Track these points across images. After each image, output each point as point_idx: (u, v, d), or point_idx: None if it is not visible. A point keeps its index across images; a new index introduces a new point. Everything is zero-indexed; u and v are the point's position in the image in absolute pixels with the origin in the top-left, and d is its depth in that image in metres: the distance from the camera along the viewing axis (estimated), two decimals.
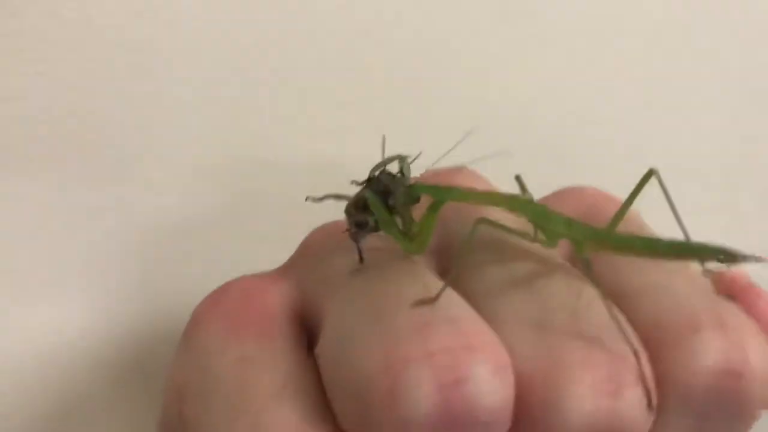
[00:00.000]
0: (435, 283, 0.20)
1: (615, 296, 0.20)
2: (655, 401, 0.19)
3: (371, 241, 0.22)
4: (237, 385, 0.19)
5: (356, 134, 0.32)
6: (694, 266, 0.23)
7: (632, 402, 0.18)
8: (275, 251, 0.24)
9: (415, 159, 0.23)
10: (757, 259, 0.20)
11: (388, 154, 0.31)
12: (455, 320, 0.18)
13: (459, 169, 0.25)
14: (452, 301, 0.19)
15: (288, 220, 0.27)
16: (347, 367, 0.18)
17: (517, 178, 0.24)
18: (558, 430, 0.18)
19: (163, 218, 0.30)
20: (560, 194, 0.26)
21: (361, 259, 0.21)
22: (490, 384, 0.17)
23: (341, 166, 0.32)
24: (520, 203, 0.21)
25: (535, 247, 0.22)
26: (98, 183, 0.29)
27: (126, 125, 0.30)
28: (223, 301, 0.21)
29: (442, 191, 0.22)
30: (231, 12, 0.30)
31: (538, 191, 0.27)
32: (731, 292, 0.22)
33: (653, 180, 0.22)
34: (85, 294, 0.29)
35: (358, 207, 0.22)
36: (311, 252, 0.23)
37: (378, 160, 0.24)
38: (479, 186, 0.24)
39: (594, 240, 0.21)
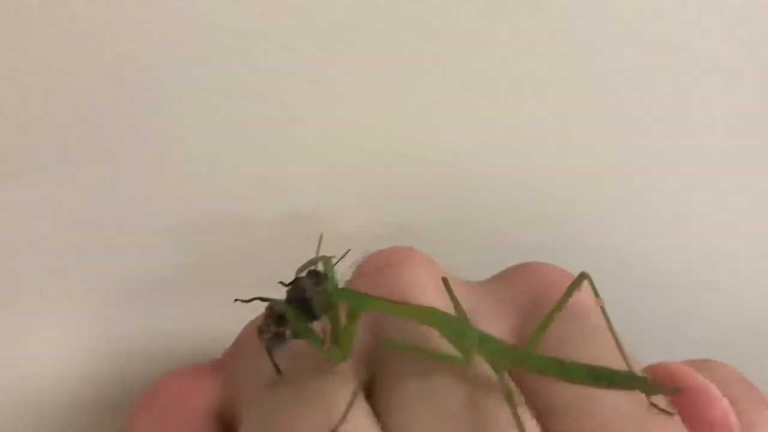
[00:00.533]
0: (340, 408, 0.19)
1: (543, 414, 0.20)
2: None
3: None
4: None
5: (328, 186, 0.32)
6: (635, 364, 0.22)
7: None
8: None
9: (340, 258, 0.23)
10: (677, 391, 0.19)
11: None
12: None
13: (405, 254, 0.24)
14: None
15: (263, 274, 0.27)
16: None
17: (444, 281, 0.23)
18: None
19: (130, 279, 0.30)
20: (514, 272, 0.26)
21: (278, 371, 0.21)
22: None
23: (315, 218, 0.32)
24: (434, 318, 0.21)
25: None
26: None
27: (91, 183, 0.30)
28: (150, 406, 0.22)
29: (358, 300, 0.21)
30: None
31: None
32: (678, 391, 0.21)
33: None
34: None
35: (273, 319, 0.22)
36: (241, 350, 0.23)
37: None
38: (422, 275, 0.24)
39: (508, 360, 0.20)
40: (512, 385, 0.20)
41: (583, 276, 0.22)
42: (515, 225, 0.32)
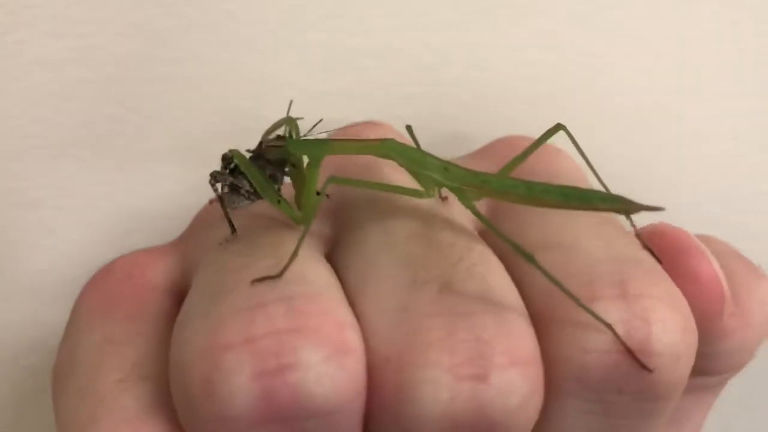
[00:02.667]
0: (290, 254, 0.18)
1: (513, 255, 0.18)
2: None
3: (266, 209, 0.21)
4: (92, 367, 0.18)
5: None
6: (621, 219, 0.20)
7: (503, 387, 0.16)
8: None
9: (314, 125, 0.21)
10: (655, 208, 0.17)
11: None
12: (291, 299, 0.16)
13: (369, 124, 0.23)
14: (299, 275, 0.17)
15: None
16: (175, 352, 0.17)
17: (408, 129, 0.21)
18: (412, 422, 0.16)
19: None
20: (488, 146, 0.24)
21: (233, 230, 0.20)
22: (321, 370, 0.15)
23: None
24: (392, 148, 0.19)
25: (422, 201, 0.20)
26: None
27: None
28: (104, 279, 0.21)
29: (315, 147, 0.20)
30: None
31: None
32: (662, 250, 0.19)
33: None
34: None
35: (226, 169, 0.20)
36: (199, 224, 0.22)
37: None
38: (386, 133, 0.22)
39: (473, 185, 0.19)
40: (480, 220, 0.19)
41: (558, 127, 0.20)
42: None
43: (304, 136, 0.21)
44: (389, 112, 0.26)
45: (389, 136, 0.22)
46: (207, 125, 0.27)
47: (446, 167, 0.19)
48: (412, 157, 0.19)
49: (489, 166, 0.23)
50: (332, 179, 0.19)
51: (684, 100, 0.30)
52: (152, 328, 0.19)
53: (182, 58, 0.27)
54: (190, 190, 0.26)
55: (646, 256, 0.19)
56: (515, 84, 0.28)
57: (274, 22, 0.27)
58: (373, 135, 0.22)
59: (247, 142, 0.20)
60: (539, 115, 0.23)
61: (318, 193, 0.19)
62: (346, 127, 0.23)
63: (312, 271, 0.18)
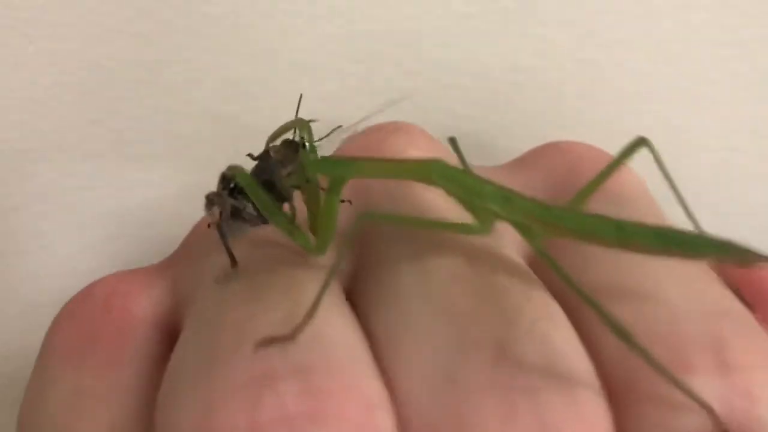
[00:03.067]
0: (308, 304, 0.14)
1: (574, 296, 0.14)
2: None
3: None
4: (61, 426, 0.15)
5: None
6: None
7: None
8: None
9: (330, 131, 0.17)
10: None
11: None
12: (307, 371, 0.13)
13: (395, 127, 0.19)
14: (317, 336, 0.13)
15: None
16: (160, 428, 0.13)
17: (452, 141, 0.17)
18: None
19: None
20: (533, 153, 0.20)
21: (234, 262, 0.16)
22: None
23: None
24: (440, 173, 0.15)
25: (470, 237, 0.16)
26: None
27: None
28: (78, 311, 0.17)
29: (340, 167, 0.16)
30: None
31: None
32: (754, 299, 0.15)
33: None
34: None
35: (225, 189, 0.16)
36: (193, 246, 0.18)
37: None
38: (419, 143, 0.18)
39: (543, 222, 0.15)
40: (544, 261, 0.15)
41: (641, 142, 0.16)
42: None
43: (318, 141, 0.17)
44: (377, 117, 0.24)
45: (421, 141, 0.18)
46: (190, 129, 0.24)
47: (508, 197, 0.15)
48: (465, 184, 0.15)
49: (536, 182, 0.19)
50: (367, 215, 0.15)
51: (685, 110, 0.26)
52: (134, 378, 0.16)
53: (164, 61, 0.24)
54: (174, 195, 0.24)
55: (741, 308, 0.15)
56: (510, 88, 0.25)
57: (257, 25, 0.24)
58: (402, 142, 0.18)
59: (231, 147, 0.18)
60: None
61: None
62: (365, 131, 0.19)
63: (332, 328, 0.14)
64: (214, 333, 0.14)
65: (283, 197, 0.17)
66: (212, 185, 0.23)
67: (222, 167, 0.24)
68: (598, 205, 0.16)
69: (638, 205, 0.17)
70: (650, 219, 0.16)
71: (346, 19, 0.25)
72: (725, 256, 0.14)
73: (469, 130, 0.25)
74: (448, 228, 0.15)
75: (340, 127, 0.18)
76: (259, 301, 0.14)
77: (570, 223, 0.14)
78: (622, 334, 0.13)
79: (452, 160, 0.17)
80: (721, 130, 0.26)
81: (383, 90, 0.25)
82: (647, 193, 0.18)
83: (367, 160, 0.16)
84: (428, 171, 0.15)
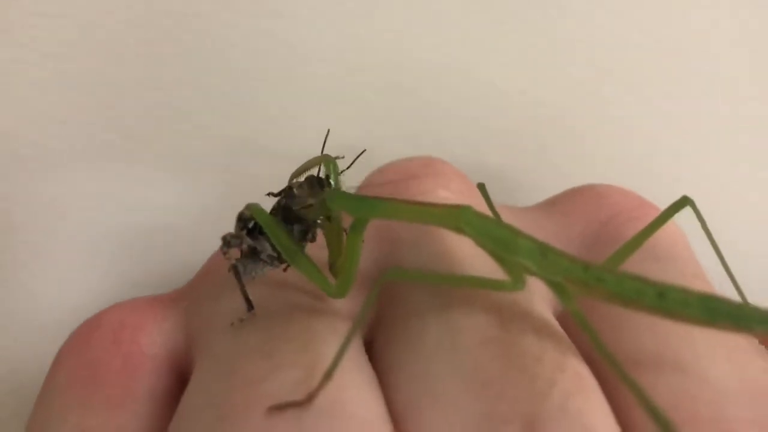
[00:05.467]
0: (326, 360, 0.13)
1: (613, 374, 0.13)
2: None
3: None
4: None
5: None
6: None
7: None
8: None
9: (350, 165, 0.16)
10: None
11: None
12: None
13: (426, 163, 0.18)
14: (335, 401, 0.13)
15: None
16: None
17: (480, 188, 0.16)
18: None
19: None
20: (570, 196, 0.19)
21: (250, 306, 0.15)
22: None
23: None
24: (470, 222, 0.14)
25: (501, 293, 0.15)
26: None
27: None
28: (85, 343, 0.16)
29: (363, 206, 0.15)
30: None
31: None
32: None
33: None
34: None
35: (243, 229, 0.16)
36: (207, 281, 0.17)
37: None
38: (450, 184, 0.17)
39: (581, 282, 0.14)
40: (577, 321, 0.14)
41: (684, 202, 0.15)
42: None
43: (342, 172, 0.16)
44: (389, 145, 0.23)
45: (452, 182, 0.17)
46: (201, 150, 0.24)
47: (544, 252, 0.14)
48: (497, 236, 0.14)
49: (572, 230, 0.18)
50: (393, 272, 0.14)
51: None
52: (140, 419, 0.15)
53: (179, 83, 0.24)
54: (183, 214, 0.24)
55: None
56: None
57: (271, 52, 0.24)
58: (431, 182, 0.17)
59: (244, 169, 0.19)
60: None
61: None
62: (393, 164, 0.19)
63: (350, 394, 0.13)
64: (226, 390, 0.13)
65: (305, 236, 0.16)
66: (220, 205, 0.23)
67: (233, 187, 0.23)
68: (638, 260, 0.15)
69: (681, 265, 0.16)
70: (693, 280, 0.15)
71: (369, 49, 0.24)
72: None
73: (493, 164, 0.25)
74: (478, 285, 0.14)
75: (364, 151, 0.17)
76: (275, 357, 0.14)
77: (610, 285, 0.13)
78: (663, 423, 0.12)
79: (482, 204, 0.16)
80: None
81: (404, 120, 0.24)
82: (690, 251, 0.17)
83: (392, 201, 0.15)
84: (456, 219, 0.14)
